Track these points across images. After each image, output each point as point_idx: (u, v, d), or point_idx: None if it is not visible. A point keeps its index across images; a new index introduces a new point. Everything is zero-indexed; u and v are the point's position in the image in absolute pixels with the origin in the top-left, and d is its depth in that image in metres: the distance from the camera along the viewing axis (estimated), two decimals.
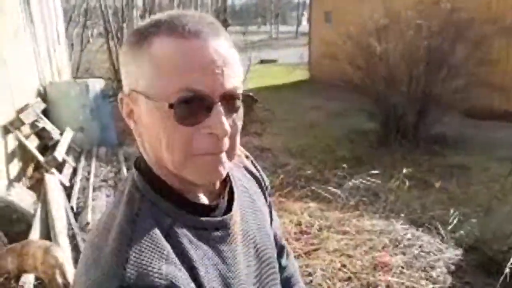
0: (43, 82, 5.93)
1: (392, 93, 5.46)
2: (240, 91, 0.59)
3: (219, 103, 0.56)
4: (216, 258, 0.62)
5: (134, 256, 0.54)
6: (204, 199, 0.66)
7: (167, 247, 0.57)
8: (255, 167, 0.85)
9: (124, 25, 12.19)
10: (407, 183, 3.87)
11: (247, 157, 0.85)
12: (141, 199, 0.61)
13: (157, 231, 0.58)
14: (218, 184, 0.69)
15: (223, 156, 0.60)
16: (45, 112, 5.30)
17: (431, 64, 5.27)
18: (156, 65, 0.56)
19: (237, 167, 0.79)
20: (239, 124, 0.62)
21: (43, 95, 5.60)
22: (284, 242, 0.93)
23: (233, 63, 0.59)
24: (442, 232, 3.31)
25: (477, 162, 4.97)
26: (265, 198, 0.84)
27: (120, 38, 12.16)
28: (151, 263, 0.54)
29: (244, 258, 0.68)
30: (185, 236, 0.60)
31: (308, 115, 7.82)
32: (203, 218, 0.63)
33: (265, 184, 0.85)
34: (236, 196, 0.71)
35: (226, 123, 0.56)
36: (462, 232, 3.15)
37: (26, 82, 5.10)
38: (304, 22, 32.26)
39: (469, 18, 5.19)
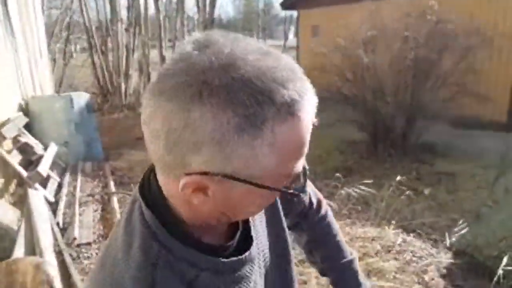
0: (25, 96, 5.79)
1: (381, 104, 5.50)
2: None
3: None
4: None
5: None
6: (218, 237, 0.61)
7: None
8: None
9: (108, 39, 12.10)
10: (398, 191, 3.88)
11: None
12: (158, 245, 0.53)
13: (180, 285, 0.53)
14: None
15: None
16: (28, 127, 5.16)
17: (418, 74, 5.32)
18: (278, 154, 0.49)
19: None
20: None
21: (25, 110, 5.47)
22: (315, 199, 0.92)
23: None
24: (433, 237, 3.33)
25: (464, 169, 5.02)
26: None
27: (104, 52, 12.06)
28: None
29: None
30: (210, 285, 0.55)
31: None
32: (225, 260, 0.57)
33: None
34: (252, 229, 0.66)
35: None
36: (453, 238, 3.17)
37: (7, 96, 4.96)
38: (291, 36, 32.57)
39: (454, 29, 5.27)
